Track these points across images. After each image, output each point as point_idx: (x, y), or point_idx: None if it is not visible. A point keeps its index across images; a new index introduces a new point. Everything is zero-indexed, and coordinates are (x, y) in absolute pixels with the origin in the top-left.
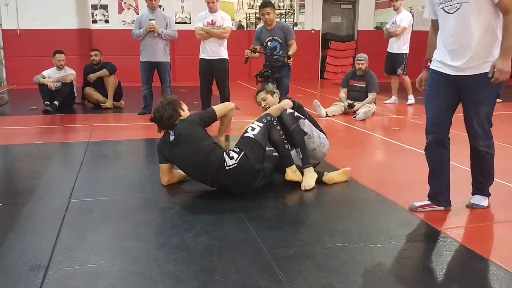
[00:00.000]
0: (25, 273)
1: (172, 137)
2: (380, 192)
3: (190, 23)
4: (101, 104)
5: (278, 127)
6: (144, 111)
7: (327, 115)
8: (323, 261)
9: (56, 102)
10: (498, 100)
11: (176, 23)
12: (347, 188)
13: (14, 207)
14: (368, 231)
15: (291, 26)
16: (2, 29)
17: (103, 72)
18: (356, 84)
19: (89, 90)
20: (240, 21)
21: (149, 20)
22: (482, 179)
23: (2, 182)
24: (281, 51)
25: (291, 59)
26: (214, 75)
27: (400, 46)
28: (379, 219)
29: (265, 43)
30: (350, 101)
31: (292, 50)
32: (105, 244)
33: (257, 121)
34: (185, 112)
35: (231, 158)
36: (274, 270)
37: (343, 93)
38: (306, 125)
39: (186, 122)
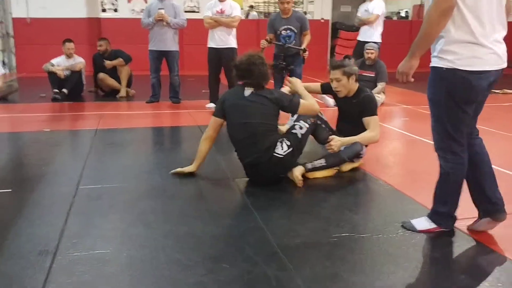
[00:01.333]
0: (34, 258)
1: (248, 92)
2: (389, 183)
3: (198, 12)
4: (116, 95)
5: (323, 126)
6: (152, 99)
7: (335, 105)
8: (330, 250)
9: (65, 90)
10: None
11: (184, 12)
12: (356, 178)
13: (23, 193)
14: (375, 222)
15: None
16: (12, 18)
17: (119, 61)
18: (365, 74)
19: (103, 76)
20: (248, 9)
21: (158, 9)
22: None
23: (11, 169)
24: (294, 41)
25: (307, 52)
26: (222, 64)
27: (371, 34)
28: (387, 210)
29: (279, 32)
30: None
31: (306, 42)
32: (112, 230)
33: (302, 120)
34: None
35: (282, 148)
36: (281, 259)
37: None
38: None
39: (274, 93)
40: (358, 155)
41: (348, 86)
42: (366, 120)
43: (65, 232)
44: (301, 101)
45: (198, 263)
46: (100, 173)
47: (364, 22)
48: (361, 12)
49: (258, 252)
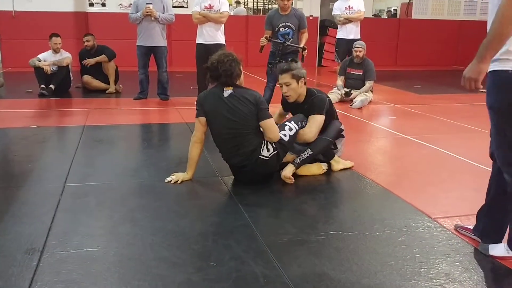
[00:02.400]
0: (20, 257)
1: (227, 93)
2: (376, 181)
3: (187, 7)
4: (106, 91)
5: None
6: (140, 96)
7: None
8: (317, 248)
9: (51, 86)
10: None
11: (173, 7)
12: (343, 176)
13: (9, 190)
14: (362, 220)
15: None
16: None
17: (102, 57)
18: (353, 72)
19: (87, 78)
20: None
21: (146, 3)
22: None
23: None
24: (292, 39)
25: (306, 50)
26: None
27: (357, 32)
28: (374, 208)
29: (277, 28)
30: (346, 89)
31: (304, 40)
32: (100, 228)
33: (294, 121)
34: (241, 79)
35: (268, 150)
36: (269, 257)
37: (340, 81)
38: (342, 142)
39: (255, 93)
40: (340, 133)
41: (298, 90)
42: (309, 118)
43: (52, 230)
44: (271, 119)
45: (186, 261)
46: (87, 170)
47: (351, 20)
48: (341, 10)
49: (246, 250)
